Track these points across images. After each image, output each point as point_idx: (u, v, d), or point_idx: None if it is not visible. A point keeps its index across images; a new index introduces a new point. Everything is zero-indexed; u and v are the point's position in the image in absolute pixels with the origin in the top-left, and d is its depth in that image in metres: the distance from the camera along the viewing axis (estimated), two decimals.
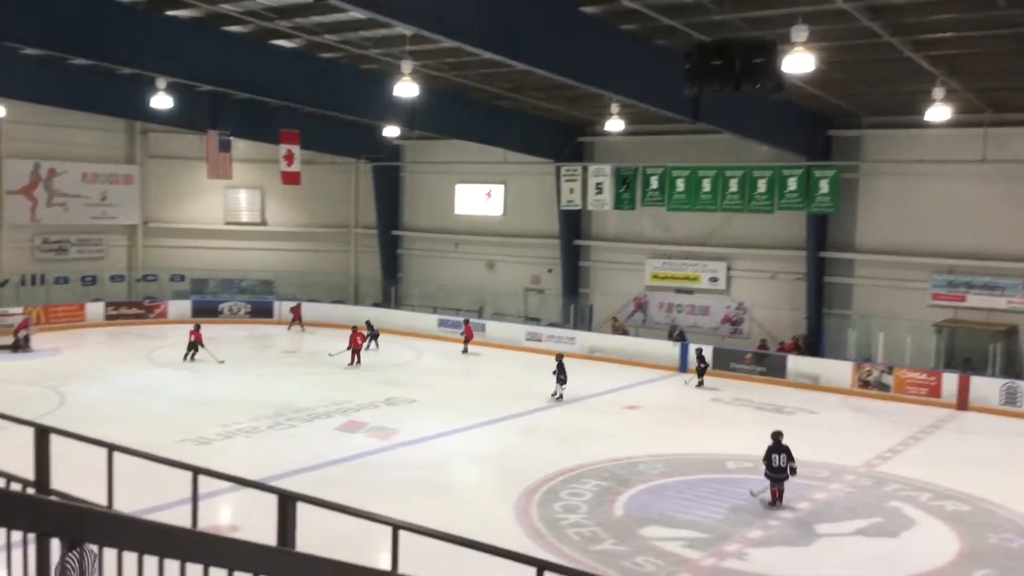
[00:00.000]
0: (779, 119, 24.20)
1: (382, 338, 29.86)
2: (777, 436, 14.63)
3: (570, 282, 32.11)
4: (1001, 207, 24.25)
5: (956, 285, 25.24)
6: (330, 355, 26.42)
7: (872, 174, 26.47)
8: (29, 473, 4.54)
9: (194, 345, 25.98)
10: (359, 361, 26.04)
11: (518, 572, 4.01)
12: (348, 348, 25.96)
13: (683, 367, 26.85)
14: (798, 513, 14.24)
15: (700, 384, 24.93)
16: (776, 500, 14.41)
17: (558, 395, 22.18)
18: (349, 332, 26.50)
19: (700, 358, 25.39)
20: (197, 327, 26.61)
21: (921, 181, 25.59)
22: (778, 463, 14.31)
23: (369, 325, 29.63)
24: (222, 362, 25.39)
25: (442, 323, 32.52)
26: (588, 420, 20.43)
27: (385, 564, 3.72)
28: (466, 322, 30.51)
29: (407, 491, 14.59)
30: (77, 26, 16.96)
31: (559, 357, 22.85)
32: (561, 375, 22.26)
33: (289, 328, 32.57)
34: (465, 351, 29.54)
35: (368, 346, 27.98)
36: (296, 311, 33.15)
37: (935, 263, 25.45)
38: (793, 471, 14.42)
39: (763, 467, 14.49)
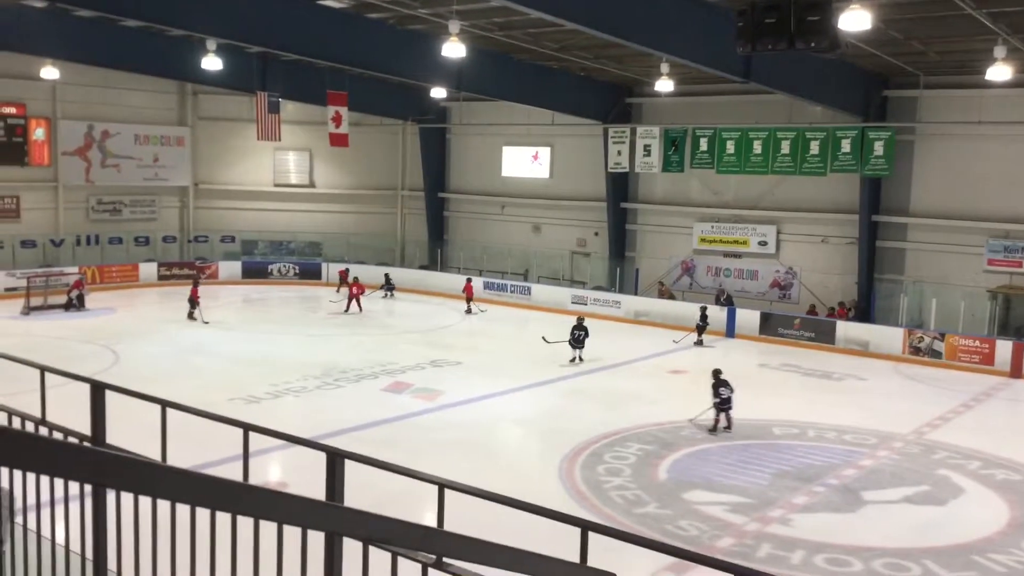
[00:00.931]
0: (833, 79, 23.64)
1: (426, 301, 30.06)
2: (718, 373, 16.71)
3: (616, 246, 31.94)
4: None
5: (1012, 250, 24.63)
6: (331, 301, 29.28)
7: (928, 136, 25.83)
8: (85, 428, 4.65)
9: (193, 302, 26.23)
10: (360, 309, 28.38)
11: (561, 532, 4.04)
12: (346, 296, 28.68)
13: (730, 332, 26.67)
14: (844, 480, 14.14)
15: (699, 343, 25.20)
16: (725, 427, 16.32)
17: (576, 359, 21.97)
18: (347, 280, 30.07)
19: (703, 315, 25.54)
20: (196, 283, 27.34)
21: (979, 143, 24.92)
22: (727, 394, 16.23)
23: (387, 278, 32.25)
24: (207, 323, 25.67)
25: (488, 286, 32.59)
26: (633, 384, 20.41)
27: (429, 523, 3.76)
28: (468, 281, 30.53)
29: (452, 452, 14.74)
30: None
31: (580, 319, 22.87)
32: (578, 338, 22.04)
33: (338, 291, 32.67)
34: (469, 311, 29.60)
35: (384, 296, 31.44)
36: (344, 274, 33.26)
37: (991, 227, 24.84)
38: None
39: (714, 400, 16.35)
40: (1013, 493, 13.70)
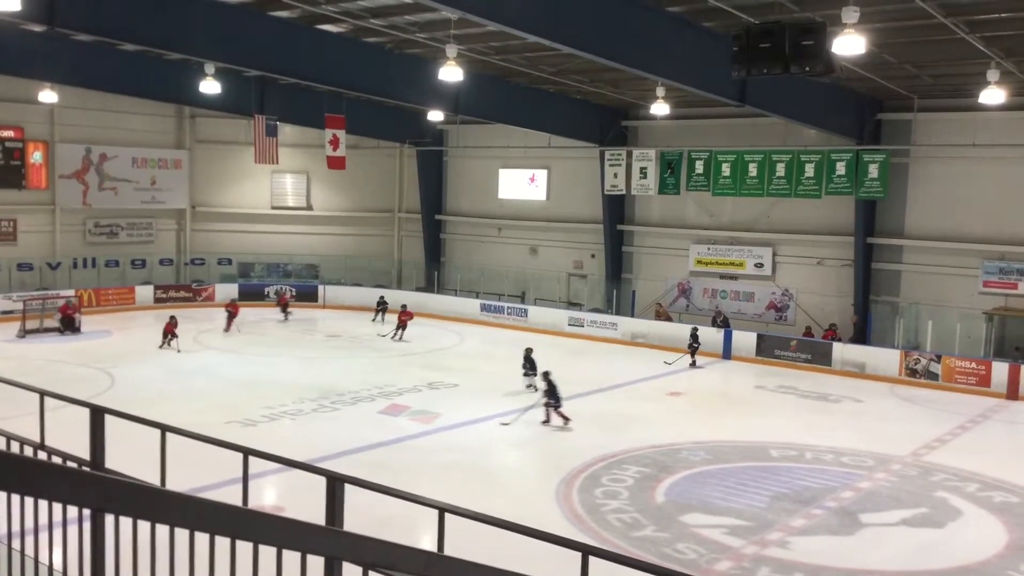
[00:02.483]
0: (828, 102, 23.82)
1: (422, 323, 30.04)
2: (548, 374, 18.11)
3: (613, 267, 32.00)
4: None
5: (1008, 272, 24.71)
6: (380, 334, 28.80)
7: (923, 158, 25.97)
8: (83, 452, 4.65)
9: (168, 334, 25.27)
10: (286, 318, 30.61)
11: (560, 556, 4.03)
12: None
13: (727, 354, 26.68)
14: (842, 502, 14.11)
15: (693, 364, 25.13)
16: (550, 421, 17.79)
17: (530, 385, 20.78)
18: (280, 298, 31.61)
19: (693, 336, 25.40)
20: (172, 319, 26.20)
21: (973, 166, 25.07)
22: (560, 392, 17.82)
23: (381, 300, 32.21)
24: (179, 351, 24.76)
25: (484, 308, 32.61)
26: (631, 406, 20.39)
27: (428, 547, 3.76)
28: (404, 308, 29.31)
29: (449, 475, 14.69)
30: (128, 12, 17.24)
31: (528, 351, 21.69)
32: (529, 368, 21.22)
33: (373, 320, 31.64)
34: (398, 337, 27.97)
35: (374, 319, 31.26)
36: (283, 298, 33.06)
37: (986, 250, 24.94)
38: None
39: (553, 402, 17.89)
40: (1011, 515, 13.67)
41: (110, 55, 24.58)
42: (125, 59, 25.10)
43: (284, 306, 32.38)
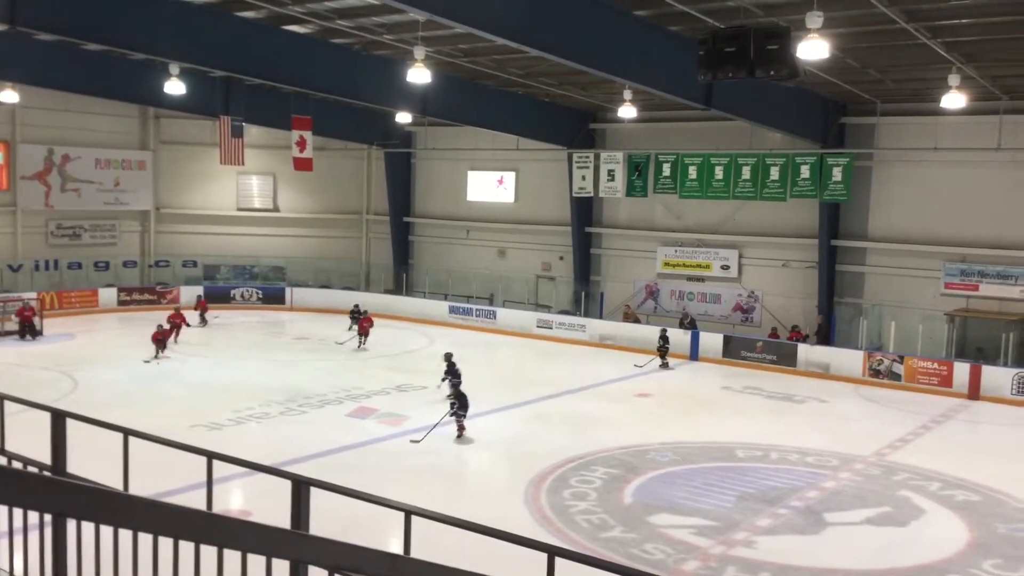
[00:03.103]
0: (793, 106, 24.08)
1: (390, 325, 29.93)
2: (449, 355, 18.44)
3: (581, 269, 32.10)
4: (1015, 195, 24.09)
5: (969, 274, 25.12)
6: (338, 343, 27.32)
7: (885, 162, 26.33)
8: (45, 457, 4.59)
9: (162, 342, 24.69)
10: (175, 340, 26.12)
11: (528, 558, 4.04)
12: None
13: (694, 355, 26.85)
14: (807, 502, 14.26)
15: (664, 365, 25.33)
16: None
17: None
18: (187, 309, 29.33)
19: (664, 338, 25.57)
20: (170, 320, 26.38)
21: (935, 169, 25.45)
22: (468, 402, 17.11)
23: (355, 308, 30.83)
24: (147, 361, 23.89)
25: (453, 310, 32.57)
26: (599, 408, 20.46)
27: (396, 549, 3.75)
28: (365, 314, 28.88)
29: (417, 477, 14.66)
30: (91, 11, 17.02)
31: (448, 356, 20.25)
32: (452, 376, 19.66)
33: (349, 328, 28.98)
34: (361, 345, 26.84)
35: (350, 327, 29.21)
36: (202, 303, 31.11)
37: (948, 252, 25.34)
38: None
39: (462, 413, 17.03)
40: (972, 513, 13.89)
41: (73, 55, 24.25)
42: (88, 59, 24.77)
43: (202, 311, 30.55)
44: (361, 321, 27.46)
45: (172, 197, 36.26)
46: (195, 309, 30.66)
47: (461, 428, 17.12)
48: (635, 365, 25.33)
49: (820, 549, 12.40)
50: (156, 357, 24.02)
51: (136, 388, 20.70)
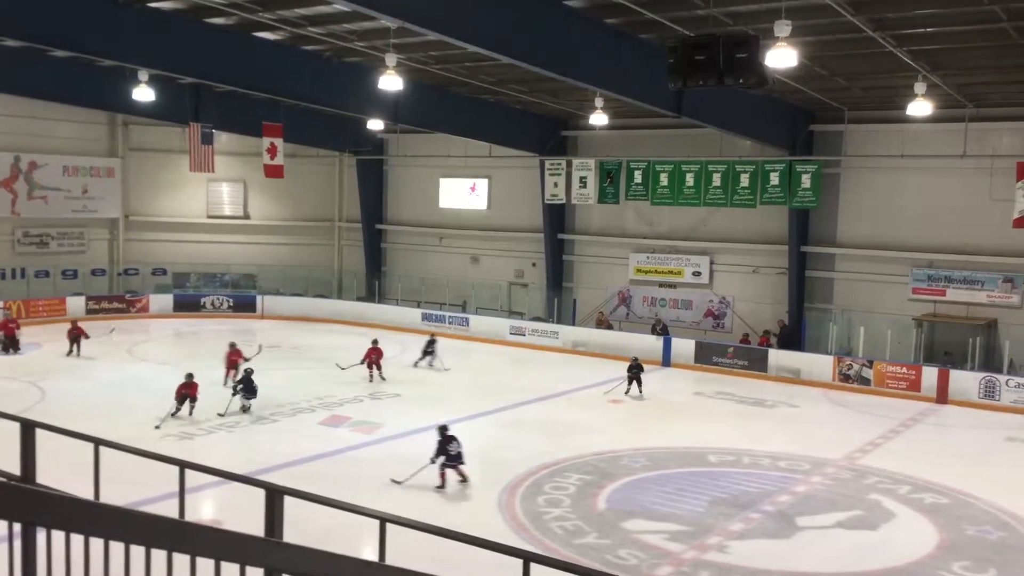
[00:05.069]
0: (762, 114, 24.32)
1: (363, 333, 29.70)
2: (444, 429, 14.95)
3: (554, 276, 32.16)
4: (981, 201, 24.45)
5: (936, 279, 25.45)
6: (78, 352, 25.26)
7: (853, 169, 26.64)
8: (13, 467, 4.53)
9: (76, 339, 24.89)
10: (372, 377, 23.05)
11: (503, 565, 4.05)
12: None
13: (666, 361, 26.96)
14: (779, 506, 14.36)
15: (639, 394, 22.18)
16: (460, 481, 14.73)
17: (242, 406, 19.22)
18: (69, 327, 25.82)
19: (637, 366, 22.54)
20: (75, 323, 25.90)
21: (902, 176, 25.78)
22: (455, 449, 14.67)
23: (431, 340, 25.73)
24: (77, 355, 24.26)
25: (426, 317, 32.50)
26: (572, 414, 20.49)
27: (370, 558, 3.74)
28: (374, 344, 23.89)
29: (392, 486, 14.59)
30: (58, 18, 16.85)
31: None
32: (245, 389, 19.14)
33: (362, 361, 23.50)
34: (377, 377, 23.28)
35: (417, 363, 25.32)
36: (76, 328, 25.78)
37: (915, 257, 25.66)
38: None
39: (440, 459, 14.57)
40: (941, 516, 14.06)
41: (40, 61, 24.00)
42: (56, 65, 24.53)
43: (75, 338, 25.37)
44: (370, 351, 23.36)
45: (141, 204, 35.92)
46: (68, 337, 25.57)
47: (462, 476, 14.88)
48: (604, 392, 22.59)
49: (792, 553, 12.49)
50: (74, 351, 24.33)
51: (104, 398, 20.46)
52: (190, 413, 18.58)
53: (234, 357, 21.94)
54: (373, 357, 23.23)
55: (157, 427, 17.63)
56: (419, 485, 14.91)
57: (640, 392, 22.36)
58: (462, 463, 14.79)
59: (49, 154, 33.21)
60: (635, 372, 22.48)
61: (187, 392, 18.71)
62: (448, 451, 14.66)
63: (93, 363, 24.37)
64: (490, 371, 26.05)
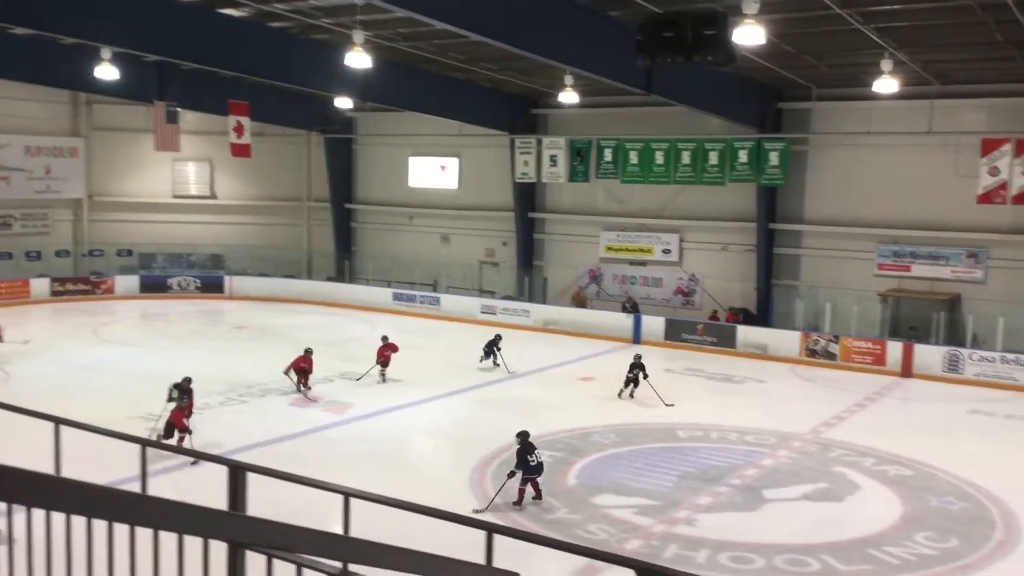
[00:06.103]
0: (730, 92, 24.37)
1: (334, 313, 29.67)
2: (524, 436, 13.25)
3: (525, 255, 32.17)
4: (946, 178, 24.73)
5: (901, 255, 25.76)
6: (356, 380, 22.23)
7: (821, 146, 26.83)
8: None
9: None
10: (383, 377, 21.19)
11: (470, 538, 4.07)
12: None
13: (636, 339, 27.11)
14: (746, 480, 14.54)
15: (629, 394, 19.98)
16: (533, 497, 13.05)
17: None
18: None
19: (640, 365, 20.00)
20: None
21: (868, 153, 26.01)
22: (535, 460, 13.01)
23: (496, 339, 23.27)
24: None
25: (397, 297, 32.42)
26: (543, 392, 20.58)
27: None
28: (385, 342, 21.66)
29: (362, 464, 14.61)
30: None
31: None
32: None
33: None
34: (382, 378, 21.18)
35: (482, 359, 22.95)
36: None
37: (880, 233, 25.94)
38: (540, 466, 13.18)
39: (518, 471, 12.89)
40: (905, 488, 14.30)
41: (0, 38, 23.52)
42: (16, 43, 24.02)
43: None
44: (381, 349, 21.45)
45: (106, 185, 35.44)
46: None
47: (536, 491, 13.16)
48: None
49: (759, 525, 12.66)
50: None
51: (70, 380, 20.23)
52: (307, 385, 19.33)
53: (386, 352, 21.08)
54: (388, 355, 21.27)
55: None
56: (391, 464, 14.93)
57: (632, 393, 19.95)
58: (540, 474, 13.13)
59: (11, 134, 32.64)
60: (637, 372, 19.84)
61: (304, 366, 19.27)
62: (528, 462, 12.91)
63: (60, 345, 24.07)
64: (461, 350, 26.02)
